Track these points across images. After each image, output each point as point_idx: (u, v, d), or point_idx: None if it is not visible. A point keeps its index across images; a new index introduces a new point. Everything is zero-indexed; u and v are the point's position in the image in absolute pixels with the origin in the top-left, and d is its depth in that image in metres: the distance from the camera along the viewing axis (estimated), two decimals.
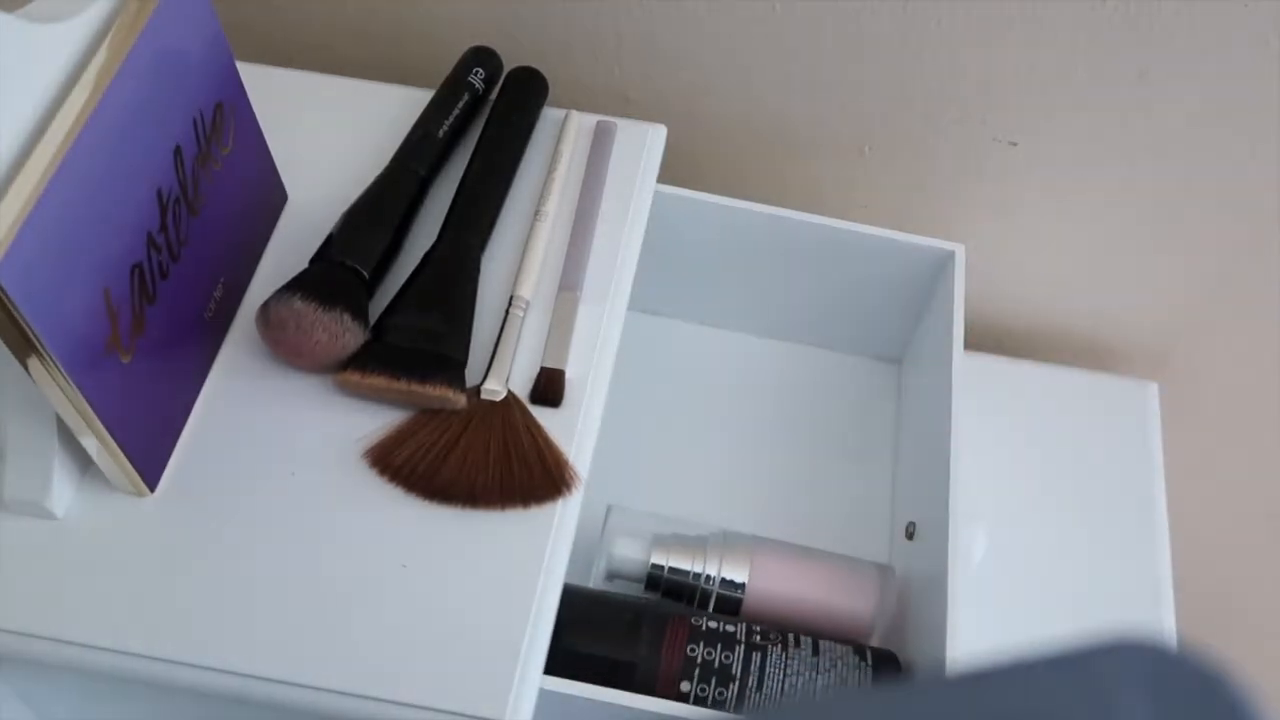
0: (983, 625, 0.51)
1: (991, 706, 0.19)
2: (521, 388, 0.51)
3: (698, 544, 0.55)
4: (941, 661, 0.49)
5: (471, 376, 0.51)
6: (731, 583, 0.54)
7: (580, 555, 0.53)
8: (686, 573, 0.54)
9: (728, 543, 0.56)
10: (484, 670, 0.44)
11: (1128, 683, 0.19)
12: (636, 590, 0.55)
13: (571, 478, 0.49)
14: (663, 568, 0.55)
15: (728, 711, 0.49)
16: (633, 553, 0.55)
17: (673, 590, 0.55)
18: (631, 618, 0.52)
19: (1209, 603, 0.77)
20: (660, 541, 0.55)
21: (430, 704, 0.43)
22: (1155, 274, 0.71)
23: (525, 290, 0.54)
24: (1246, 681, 0.19)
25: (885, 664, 0.53)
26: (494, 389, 0.50)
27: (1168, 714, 0.18)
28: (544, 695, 0.45)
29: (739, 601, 0.54)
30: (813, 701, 0.51)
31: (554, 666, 0.46)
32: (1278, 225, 0.65)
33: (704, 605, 0.55)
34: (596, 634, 0.51)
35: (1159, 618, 0.64)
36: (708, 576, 0.54)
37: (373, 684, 0.43)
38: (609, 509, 0.56)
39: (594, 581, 0.56)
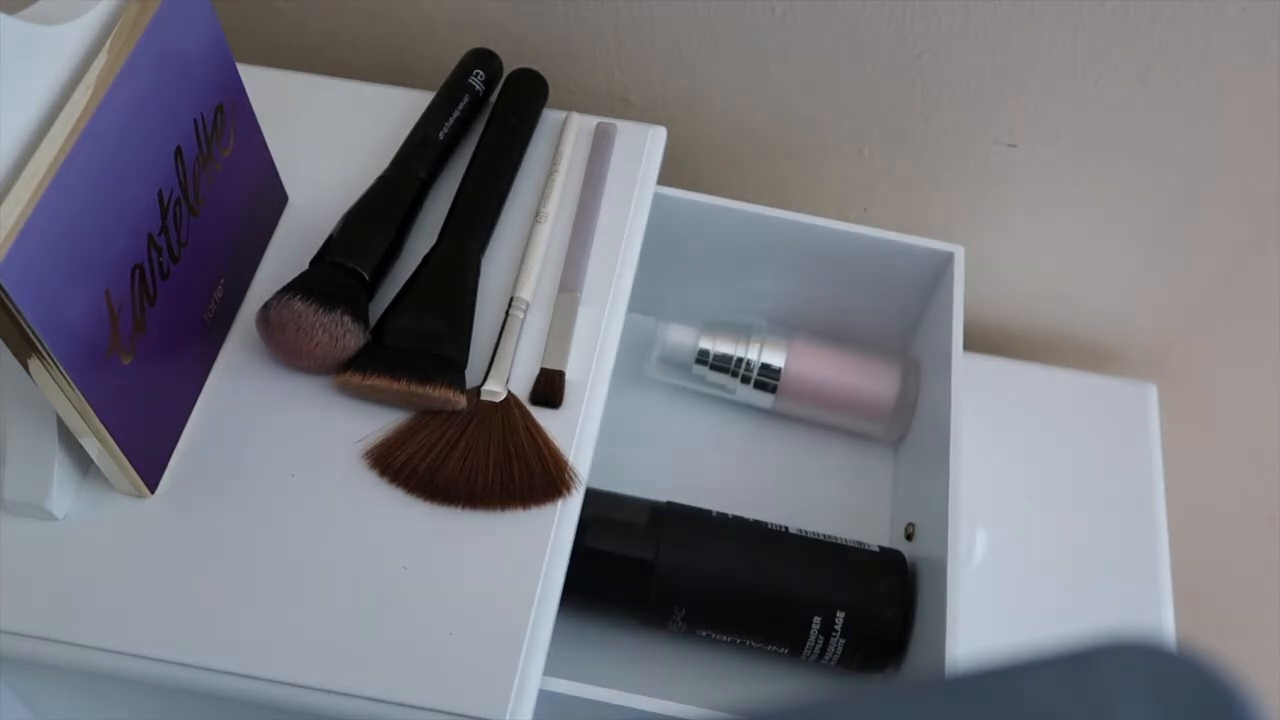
0: (983, 625, 0.52)
1: (992, 707, 0.19)
2: (521, 389, 0.51)
3: (742, 331, 0.63)
4: (941, 661, 0.49)
5: (471, 378, 0.51)
6: (769, 366, 0.62)
7: (634, 352, 0.65)
8: (730, 357, 0.62)
9: (769, 332, 0.63)
10: (484, 671, 0.44)
11: (1127, 683, 0.19)
12: (687, 367, 0.63)
13: (571, 479, 0.49)
14: (708, 352, 0.62)
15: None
16: (684, 339, 0.63)
17: (719, 365, 0.63)
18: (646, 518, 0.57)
19: (1209, 603, 0.77)
20: (709, 328, 0.63)
21: (430, 704, 0.43)
22: (1155, 275, 0.71)
23: (525, 292, 0.54)
24: (1246, 681, 0.19)
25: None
26: (494, 390, 0.50)
27: (1168, 715, 0.18)
28: (544, 696, 0.45)
29: (775, 384, 0.62)
30: (813, 702, 0.51)
31: (576, 573, 0.48)
32: (1277, 226, 0.65)
33: (746, 380, 0.63)
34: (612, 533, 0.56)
35: (1159, 618, 0.64)
36: (749, 362, 0.62)
37: (373, 684, 0.43)
38: (662, 300, 0.64)
39: (648, 368, 0.64)
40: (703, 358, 0.63)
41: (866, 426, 0.64)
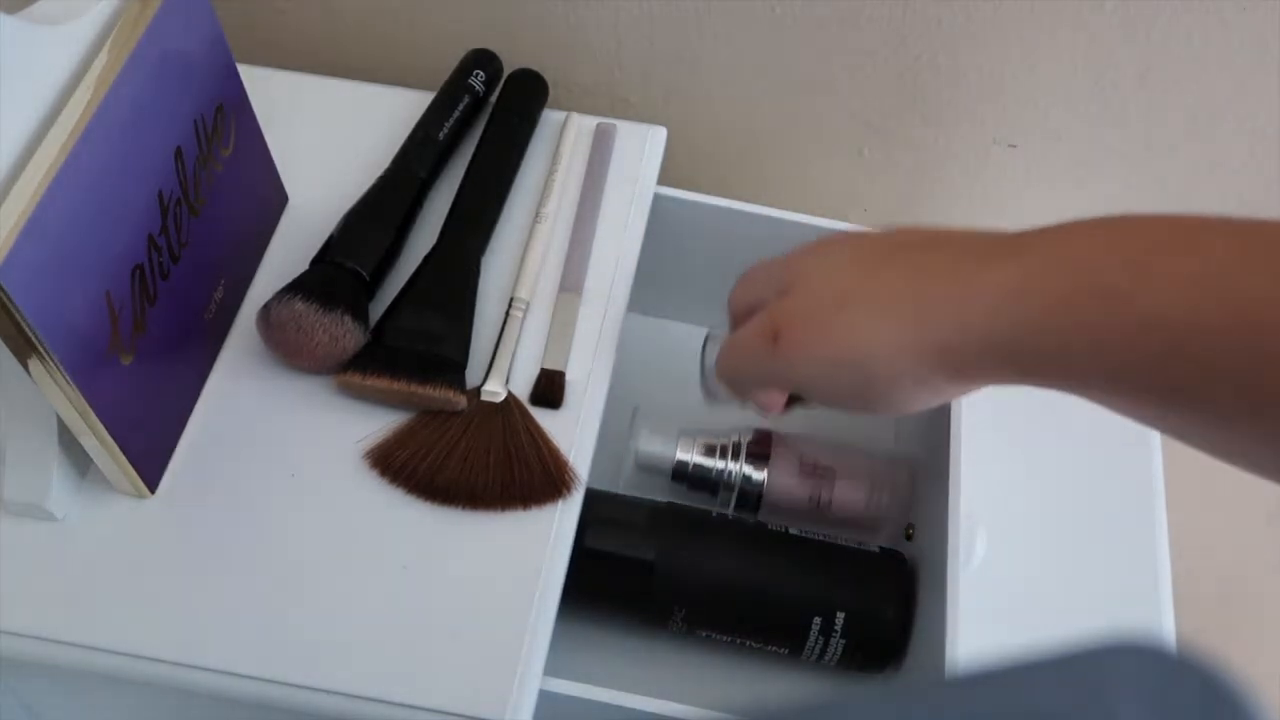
0: (983, 626, 0.51)
1: (992, 708, 0.19)
2: (522, 389, 0.51)
3: (722, 440, 0.58)
4: (941, 662, 0.49)
5: (472, 378, 0.51)
6: (750, 478, 0.57)
7: (609, 454, 0.58)
8: (710, 468, 0.57)
9: (750, 442, 0.58)
10: (484, 671, 0.44)
11: (1127, 684, 0.19)
12: (663, 483, 0.58)
13: (571, 479, 0.49)
14: (688, 463, 0.57)
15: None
16: (660, 448, 0.58)
17: (697, 483, 0.58)
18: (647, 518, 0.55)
19: (1209, 603, 0.77)
20: (686, 437, 0.58)
21: (430, 704, 0.43)
22: None
23: (525, 292, 0.54)
24: (1246, 682, 0.19)
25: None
26: (494, 390, 0.50)
27: (1168, 715, 0.18)
28: (544, 695, 0.45)
29: (759, 496, 0.57)
30: (813, 702, 0.51)
31: (576, 573, 0.48)
32: None
33: (725, 505, 0.58)
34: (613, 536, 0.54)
35: (1159, 618, 0.64)
36: (729, 472, 0.57)
37: (373, 684, 0.43)
38: (635, 409, 0.59)
39: (623, 478, 0.58)
40: (680, 473, 0.58)
41: (860, 535, 0.59)
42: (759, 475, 0.57)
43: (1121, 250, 0.35)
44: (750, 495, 0.57)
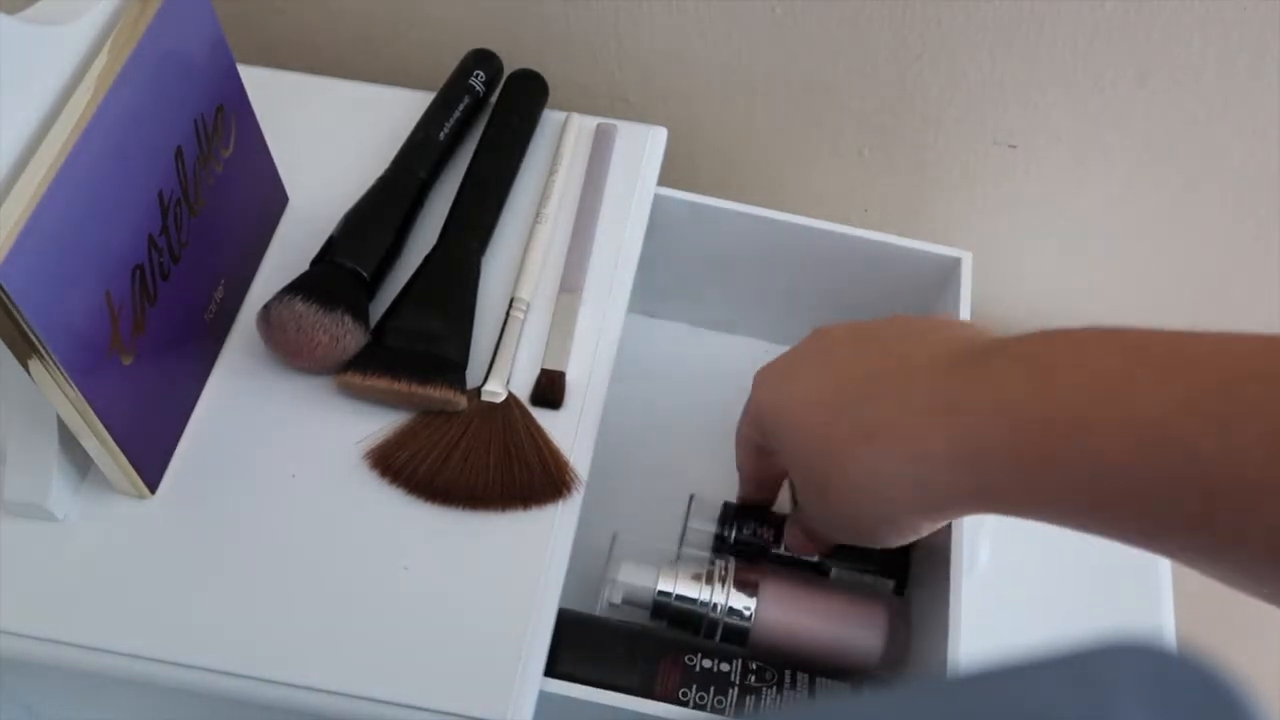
0: (984, 628, 0.51)
1: (992, 708, 0.20)
2: (522, 389, 0.51)
3: (705, 571, 0.54)
4: (943, 663, 0.49)
5: (472, 378, 0.51)
6: (739, 612, 0.52)
7: (584, 578, 0.53)
8: (694, 600, 0.53)
9: (736, 570, 0.54)
10: (484, 671, 0.44)
11: (1127, 685, 0.19)
12: (643, 618, 0.53)
13: (571, 479, 0.49)
14: (670, 594, 0.53)
15: None
16: (639, 579, 0.53)
17: (680, 618, 0.53)
18: (624, 654, 0.51)
19: (1209, 603, 0.77)
20: (667, 568, 0.54)
21: (430, 705, 0.43)
22: (1155, 276, 0.71)
23: (525, 292, 0.54)
24: (1246, 682, 0.19)
25: None
26: (494, 391, 0.50)
27: (1167, 715, 0.18)
28: (544, 696, 0.45)
29: (746, 631, 0.52)
30: (813, 702, 0.51)
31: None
32: (1277, 226, 0.65)
33: (711, 634, 0.53)
34: (587, 668, 0.50)
35: (1159, 619, 0.64)
36: (715, 605, 0.52)
37: (373, 684, 0.43)
38: (615, 536, 0.55)
39: (600, 608, 0.54)
40: (662, 604, 0.53)
41: (853, 673, 0.54)
42: (748, 606, 0.53)
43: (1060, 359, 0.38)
44: (737, 627, 0.52)
